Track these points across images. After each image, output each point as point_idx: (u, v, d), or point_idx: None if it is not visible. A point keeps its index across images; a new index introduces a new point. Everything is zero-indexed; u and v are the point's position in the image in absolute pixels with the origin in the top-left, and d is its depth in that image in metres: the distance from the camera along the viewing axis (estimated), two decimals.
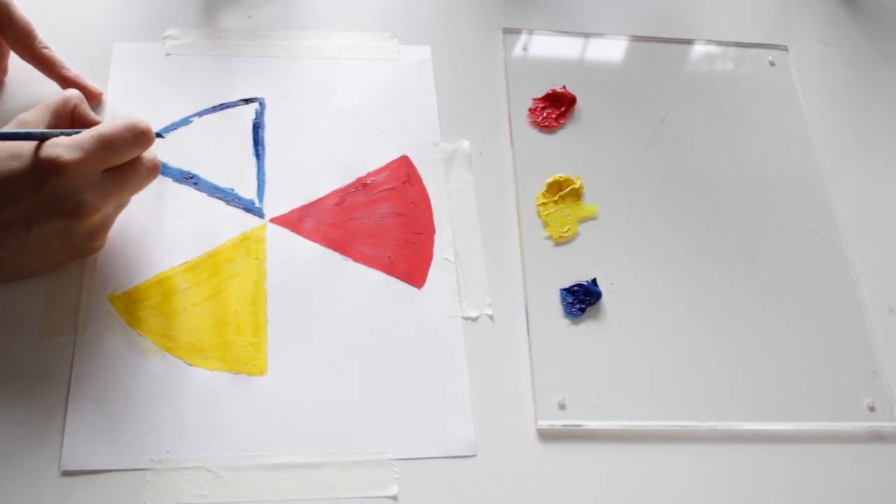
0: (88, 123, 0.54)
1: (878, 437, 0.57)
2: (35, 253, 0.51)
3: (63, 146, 0.49)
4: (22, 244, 0.50)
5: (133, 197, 0.55)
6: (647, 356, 0.57)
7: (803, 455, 0.55)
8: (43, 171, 0.48)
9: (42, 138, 0.49)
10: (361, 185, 0.61)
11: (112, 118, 0.51)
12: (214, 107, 0.63)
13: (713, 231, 0.64)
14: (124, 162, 0.51)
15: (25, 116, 0.52)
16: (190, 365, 0.53)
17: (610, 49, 0.72)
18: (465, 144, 0.64)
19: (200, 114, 0.62)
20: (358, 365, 0.54)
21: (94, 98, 0.61)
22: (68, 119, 0.53)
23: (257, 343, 0.54)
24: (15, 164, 0.48)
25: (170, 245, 0.57)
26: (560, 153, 0.65)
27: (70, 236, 0.51)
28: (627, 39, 0.73)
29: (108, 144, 0.49)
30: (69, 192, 0.49)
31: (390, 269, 0.58)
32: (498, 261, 0.60)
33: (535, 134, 0.66)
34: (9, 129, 0.51)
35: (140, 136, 0.51)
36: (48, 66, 0.60)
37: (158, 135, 0.54)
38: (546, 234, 0.61)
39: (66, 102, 0.53)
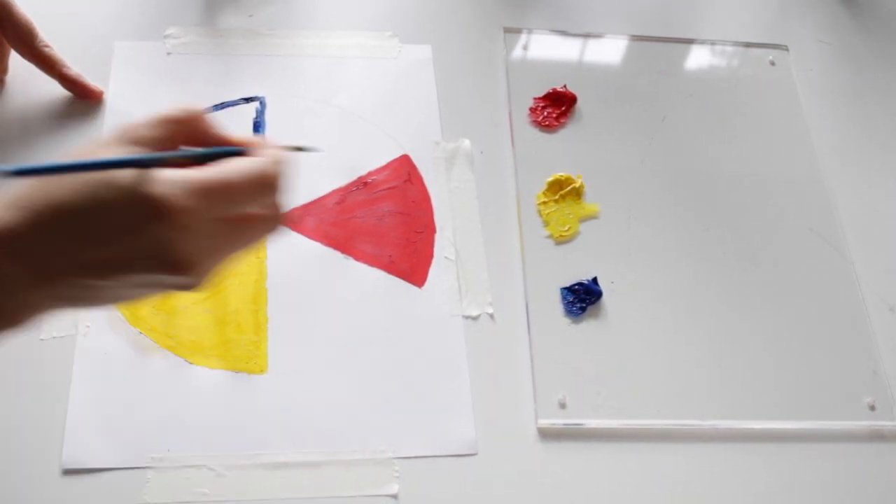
0: (221, 141, 0.41)
1: (878, 436, 0.57)
2: (123, 295, 0.41)
3: (172, 184, 0.36)
4: (116, 291, 0.39)
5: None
6: (647, 355, 0.57)
7: (804, 454, 0.55)
8: (144, 212, 0.36)
9: (133, 164, 0.37)
10: (362, 183, 0.61)
11: (250, 161, 0.39)
12: (215, 106, 0.63)
13: (713, 230, 0.64)
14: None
15: (132, 133, 0.39)
16: (191, 363, 0.53)
17: (610, 49, 0.72)
18: (466, 143, 0.64)
19: None
20: (358, 363, 0.54)
21: (94, 97, 0.61)
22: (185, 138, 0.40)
23: (258, 341, 0.54)
24: (106, 195, 0.36)
25: None
26: (560, 152, 0.65)
27: (165, 286, 0.39)
28: (627, 39, 0.73)
29: (231, 195, 0.38)
30: (173, 245, 0.37)
31: (391, 267, 0.58)
32: (499, 260, 0.60)
33: (535, 133, 0.66)
34: (112, 145, 0.38)
35: (266, 187, 0.39)
36: (49, 64, 0.60)
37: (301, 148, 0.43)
38: (547, 232, 0.61)
39: (189, 121, 0.40)
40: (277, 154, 0.40)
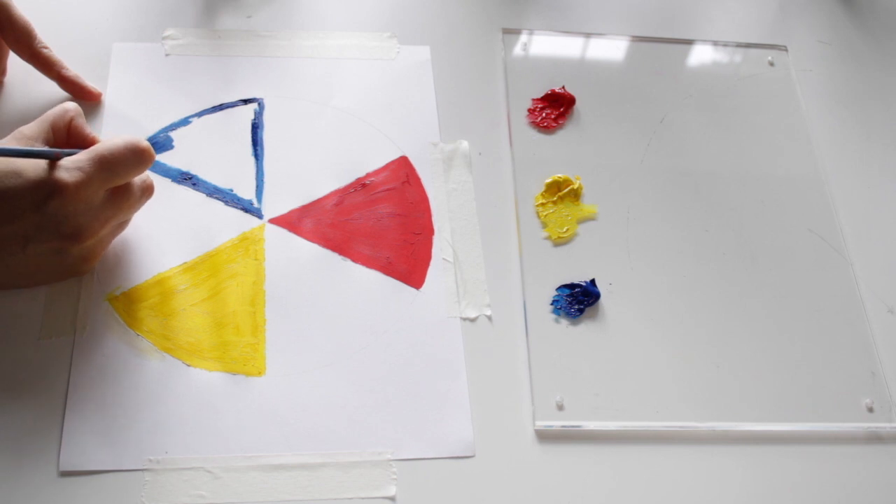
0: (84, 137, 0.53)
1: (876, 439, 0.57)
2: (27, 270, 0.52)
3: (64, 168, 0.48)
4: (16, 261, 0.50)
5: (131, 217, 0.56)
6: (645, 357, 0.57)
7: (802, 456, 0.55)
8: (44, 191, 0.48)
9: (42, 157, 0.48)
10: (360, 185, 0.61)
11: (111, 137, 0.51)
12: (213, 107, 0.63)
13: (712, 231, 0.64)
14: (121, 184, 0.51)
15: (24, 130, 0.51)
16: (188, 365, 0.53)
17: (609, 49, 0.72)
18: (465, 145, 0.64)
19: (199, 114, 0.62)
20: (356, 366, 0.54)
21: (93, 98, 0.61)
22: (65, 131, 0.53)
23: (256, 344, 0.54)
24: (14, 182, 0.48)
25: (168, 246, 0.57)
26: (559, 153, 0.65)
27: (64, 257, 0.51)
28: (627, 39, 0.73)
29: (109, 165, 0.49)
30: (69, 215, 0.49)
31: (389, 269, 0.58)
32: (497, 261, 0.60)
33: (534, 134, 0.66)
34: (9, 142, 0.50)
35: (140, 156, 0.51)
36: (47, 65, 0.60)
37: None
38: (545, 234, 0.61)
39: (63, 115, 0.52)
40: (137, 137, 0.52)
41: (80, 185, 0.48)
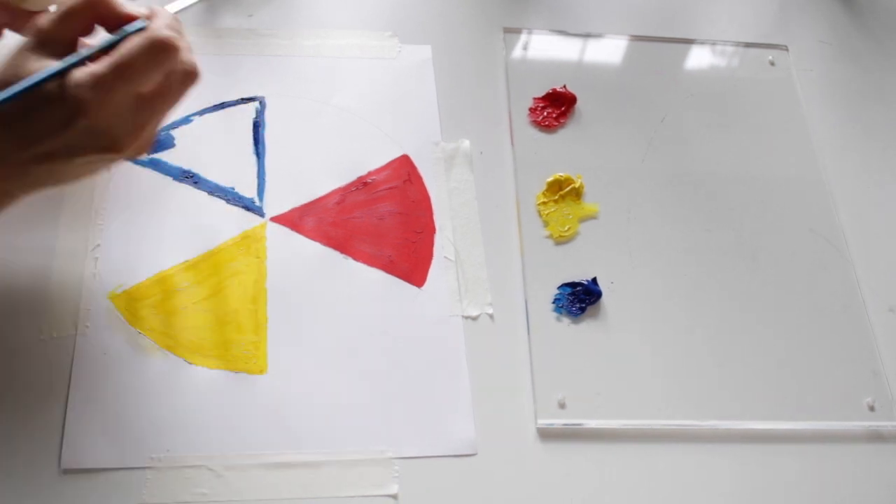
0: (123, 17, 0.46)
1: (877, 437, 0.57)
2: (82, 174, 0.48)
3: (83, 85, 0.43)
4: (68, 169, 0.46)
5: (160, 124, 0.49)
6: (647, 355, 0.57)
7: (803, 454, 0.55)
8: (67, 111, 0.43)
9: (50, 79, 0.43)
10: (362, 184, 0.61)
11: (130, 37, 0.44)
12: (215, 105, 0.63)
13: (713, 230, 0.64)
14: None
15: (41, 24, 0.44)
16: (190, 363, 0.53)
17: (610, 49, 0.72)
18: (466, 144, 0.64)
19: (201, 112, 0.62)
20: (358, 364, 0.54)
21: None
22: (92, 20, 0.45)
23: (257, 342, 0.54)
24: (33, 102, 0.43)
25: (170, 244, 0.56)
26: (560, 152, 0.65)
27: (115, 160, 0.47)
28: (627, 39, 0.73)
29: (130, 73, 0.43)
30: (102, 130, 0.44)
31: (391, 267, 0.58)
32: (498, 260, 0.60)
33: (535, 133, 0.66)
34: (25, 45, 0.44)
35: (161, 52, 0.44)
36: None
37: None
38: (546, 233, 0.61)
39: (91, 5, 0.45)
40: (163, 21, 0.45)
41: (103, 102, 0.43)
